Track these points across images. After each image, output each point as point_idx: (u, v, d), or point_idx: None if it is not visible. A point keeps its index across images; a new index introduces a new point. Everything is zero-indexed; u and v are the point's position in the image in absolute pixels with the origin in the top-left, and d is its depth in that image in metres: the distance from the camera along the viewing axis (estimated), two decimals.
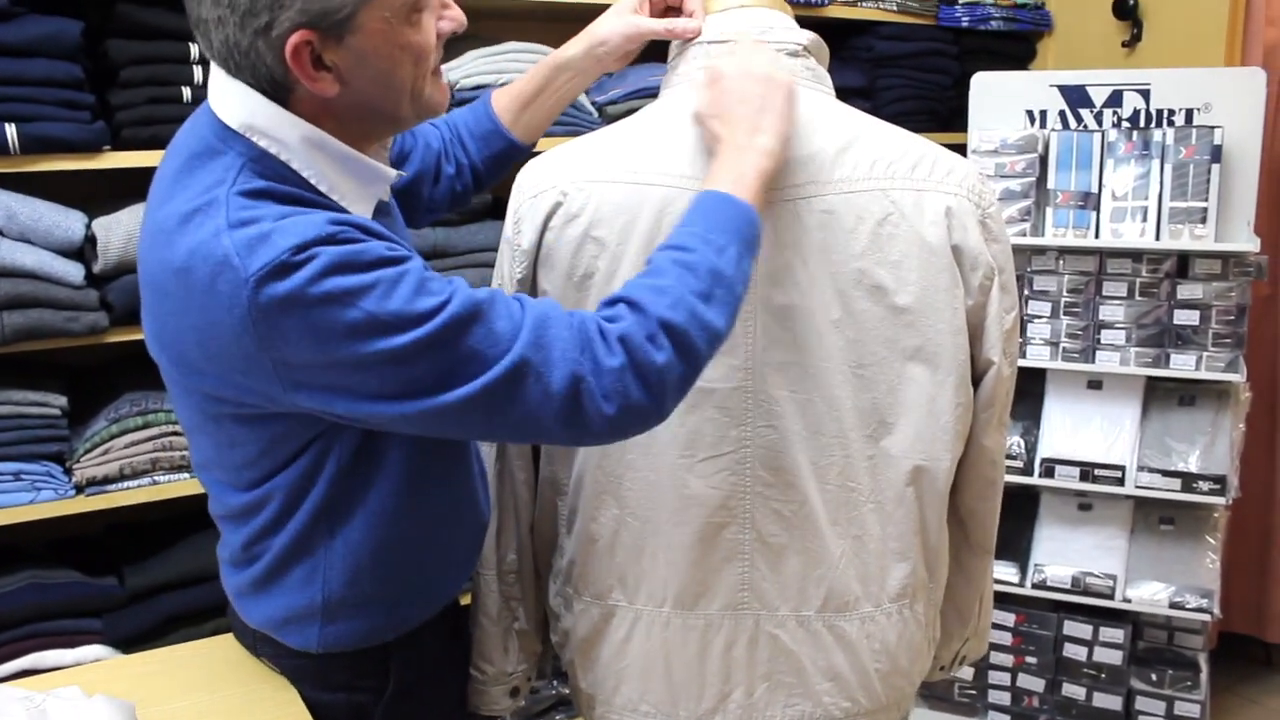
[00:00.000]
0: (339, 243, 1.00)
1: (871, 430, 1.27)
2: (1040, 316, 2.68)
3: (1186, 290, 2.56)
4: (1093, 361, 2.64)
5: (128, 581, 2.08)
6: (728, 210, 1.12)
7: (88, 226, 1.96)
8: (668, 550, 1.30)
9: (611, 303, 1.10)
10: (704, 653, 1.32)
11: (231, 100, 1.09)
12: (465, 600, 1.47)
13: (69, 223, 1.93)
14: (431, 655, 1.35)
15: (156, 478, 2.04)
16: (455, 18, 1.15)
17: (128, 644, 2.05)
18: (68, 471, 2.00)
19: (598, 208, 1.24)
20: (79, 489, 1.99)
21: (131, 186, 2.06)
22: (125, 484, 2.02)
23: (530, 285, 1.30)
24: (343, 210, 1.11)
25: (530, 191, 1.28)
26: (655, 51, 1.41)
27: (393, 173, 1.20)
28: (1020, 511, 2.82)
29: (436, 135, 1.55)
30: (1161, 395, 2.71)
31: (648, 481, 1.29)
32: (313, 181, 1.10)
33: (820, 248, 1.23)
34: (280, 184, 1.07)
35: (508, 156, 1.58)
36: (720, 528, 1.29)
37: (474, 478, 1.36)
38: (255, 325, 0.99)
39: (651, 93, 1.37)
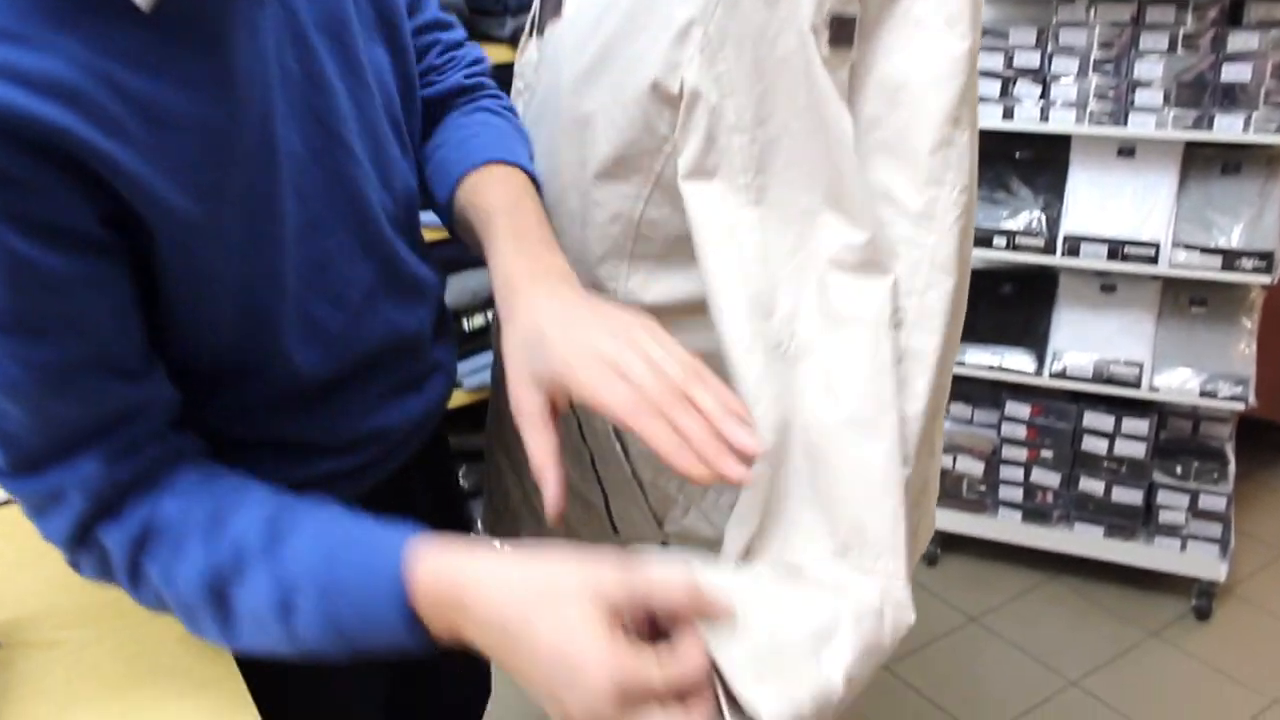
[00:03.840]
0: None
1: None
2: (1065, 75, 2.35)
3: (1238, 41, 2.23)
4: (1124, 125, 2.32)
5: None
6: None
7: None
8: None
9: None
10: None
11: None
12: None
13: None
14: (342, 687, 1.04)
15: None
16: None
17: None
18: None
19: None
20: None
21: None
22: None
23: None
24: None
25: None
26: None
27: None
28: (1036, 295, 2.57)
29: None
30: (1202, 163, 2.40)
31: None
32: None
33: None
34: None
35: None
36: None
37: None
38: None
39: None
